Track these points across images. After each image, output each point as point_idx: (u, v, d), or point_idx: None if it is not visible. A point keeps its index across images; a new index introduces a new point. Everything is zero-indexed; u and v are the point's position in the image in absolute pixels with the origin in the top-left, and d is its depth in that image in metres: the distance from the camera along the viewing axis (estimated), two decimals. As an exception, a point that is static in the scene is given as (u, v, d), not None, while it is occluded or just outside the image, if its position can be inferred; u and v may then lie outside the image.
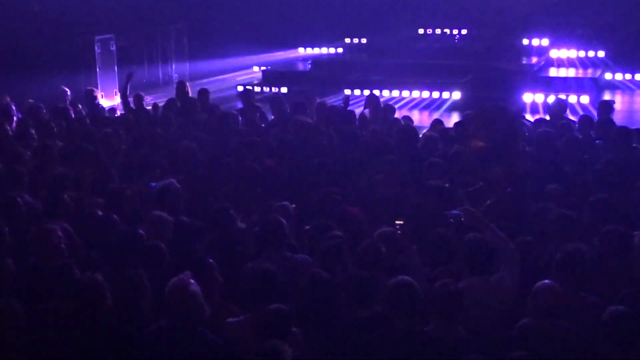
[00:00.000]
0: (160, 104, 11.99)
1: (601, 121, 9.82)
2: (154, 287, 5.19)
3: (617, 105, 12.70)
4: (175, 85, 13.59)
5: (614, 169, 7.68)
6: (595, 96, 15.67)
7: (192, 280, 4.90)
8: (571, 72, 17.62)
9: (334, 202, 6.97)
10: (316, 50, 20.79)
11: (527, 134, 9.23)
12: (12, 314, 4.88)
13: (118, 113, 12.40)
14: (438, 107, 15.94)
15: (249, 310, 5.13)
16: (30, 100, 11.70)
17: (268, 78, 18.33)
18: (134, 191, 7.43)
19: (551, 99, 11.31)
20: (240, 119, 10.47)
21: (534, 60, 18.02)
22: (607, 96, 16.28)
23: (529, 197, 7.16)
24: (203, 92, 12.27)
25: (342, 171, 8.19)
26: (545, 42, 18.45)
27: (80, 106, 11.91)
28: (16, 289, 5.40)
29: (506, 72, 16.71)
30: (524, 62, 17.82)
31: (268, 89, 17.32)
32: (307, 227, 6.53)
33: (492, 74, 16.54)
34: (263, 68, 19.40)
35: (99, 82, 16.15)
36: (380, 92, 15.53)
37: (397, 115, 11.22)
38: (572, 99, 14.66)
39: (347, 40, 20.90)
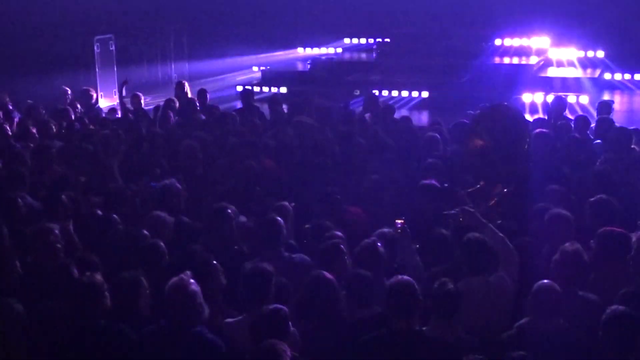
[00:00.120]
0: (159, 104, 11.99)
1: (600, 121, 9.82)
2: (154, 287, 5.19)
3: (617, 106, 12.71)
4: (174, 86, 13.60)
5: (612, 169, 7.69)
6: (594, 96, 15.67)
7: (192, 280, 4.91)
8: (570, 72, 17.62)
9: (334, 202, 6.97)
10: (315, 51, 20.80)
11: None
12: (12, 314, 4.89)
13: (119, 114, 12.40)
14: (437, 107, 15.92)
15: (246, 310, 5.13)
16: (29, 101, 11.71)
17: (267, 78, 18.33)
18: (134, 191, 7.43)
19: (550, 98, 11.31)
20: (239, 119, 10.48)
21: (534, 60, 18.02)
22: (606, 96, 16.28)
23: (530, 197, 7.16)
24: (202, 92, 12.28)
25: (341, 171, 8.20)
26: (545, 41, 18.44)
27: (79, 106, 11.91)
28: (16, 289, 5.40)
29: (506, 71, 16.72)
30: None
31: (267, 89, 17.32)
32: (306, 226, 6.53)
33: (492, 73, 16.55)
34: (262, 68, 19.40)
35: (98, 82, 16.15)
36: (380, 92, 15.54)
37: (396, 115, 11.23)
38: (571, 98, 14.65)
39: (347, 40, 20.91)
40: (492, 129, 7.15)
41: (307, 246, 6.40)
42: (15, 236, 6.13)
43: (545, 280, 5.11)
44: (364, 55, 19.95)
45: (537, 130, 8.98)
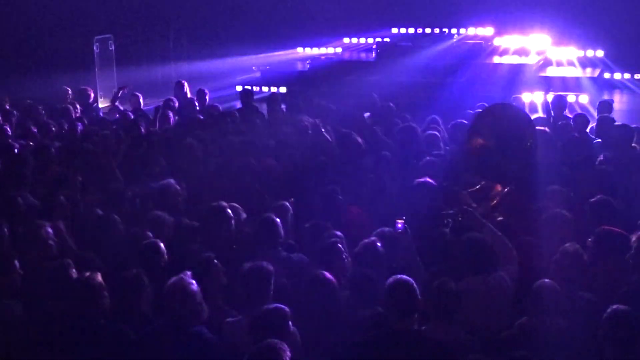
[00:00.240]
0: (157, 105, 12.00)
1: (601, 120, 9.81)
2: (154, 287, 5.19)
3: (616, 105, 12.69)
4: (173, 85, 13.60)
5: (613, 168, 7.69)
6: (594, 96, 15.67)
7: (191, 280, 4.90)
8: (570, 72, 17.61)
9: (335, 202, 6.97)
10: (315, 51, 20.78)
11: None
12: (12, 315, 4.89)
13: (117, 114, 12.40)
14: (436, 107, 15.89)
15: (246, 309, 5.13)
16: (29, 101, 11.71)
17: (267, 78, 18.32)
18: (134, 191, 7.43)
19: (550, 97, 11.31)
20: (238, 118, 10.48)
21: (533, 59, 18.00)
22: (605, 95, 16.29)
23: (530, 196, 7.16)
24: (201, 92, 12.28)
25: (341, 170, 8.19)
26: (546, 41, 18.44)
27: (78, 106, 11.92)
28: (16, 289, 5.40)
29: (505, 71, 16.70)
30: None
31: (267, 89, 17.31)
32: (306, 226, 6.54)
33: (490, 73, 16.54)
34: (262, 68, 19.40)
35: (97, 82, 16.14)
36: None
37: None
38: (571, 98, 14.64)
39: (347, 40, 20.90)
40: (492, 128, 7.14)
41: (306, 246, 6.40)
42: (15, 236, 6.14)
43: (545, 280, 5.12)
44: (363, 55, 19.94)
45: (537, 129, 8.97)
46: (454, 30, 19.93)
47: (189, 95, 12.72)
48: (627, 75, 17.59)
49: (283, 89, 17.00)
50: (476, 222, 5.91)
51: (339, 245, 5.79)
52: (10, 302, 5.00)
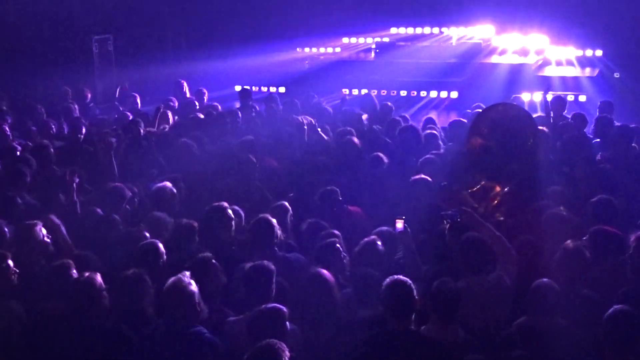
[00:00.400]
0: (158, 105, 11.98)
1: (600, 120, 9.80)
2: (153, 287, 5.19)
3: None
4: (173, 85, 13.60)
5: (613, 168, 7.69)
6: (593, 95, 15.66)
7: (190, 280, 4.90)
8: (569, 72, 17.61)
9: (334, 202, 6.97)
10: (314, 50, 20.77)
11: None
12: (12, 314, 4.88)
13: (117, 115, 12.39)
14: (436, 107, 15.93)
15: (248, 309, 5.12)
16: (29, 101, 11.71)
17: (266, 78, 18.30)
18: (133, 191, 7.42)
19: (549, 97, 11.30)
20: (237, 118, 10.48)
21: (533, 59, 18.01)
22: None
23: (531, 196, 7.16)
24: (200, 92, 12.28)
25: (340, 170, 8.19)
26: (544, 40, 18.43)
27: (76, 106, 11.92)
28: (17, 289, 5.39)
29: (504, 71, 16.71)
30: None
31: (266, 89, 17.31)
32: (303, 226, 6.53)
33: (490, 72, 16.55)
34: (262, 66, 19.39)
35: (96, 82, 16.12)
36: (379, 91, 15.51)
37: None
38: (569, 98, 14.63)
39: (346, 40, 20.89)
40: (492, 128, 7.13)
41: (305, 246, 6.40)
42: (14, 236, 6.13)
43: (544, 279, 5.11)
44: (362, 55, 19.93)
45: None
46: (453, 30, 19.93)
47: (188, 95, 12.72)
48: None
49: (282, 89, 17.00)
50: (475, 222, 5.90)
51: (338, 244, 5.78)
52: (11, 302, 4.98)
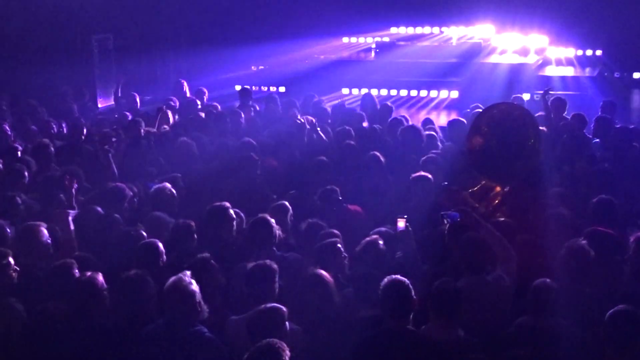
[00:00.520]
0: (159, 105, 11.98)
1: (600, 120, 9.80)
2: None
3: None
4: (173, 85, 13.59)
5: (613, 168, 7.69)
6: (592, 94, 15.67)
7: (191, 280, 4.90)
8: (569, 71, 17.63)
9: (334, 201, 6.97)
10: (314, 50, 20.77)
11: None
12: (12, 313, 4.88)
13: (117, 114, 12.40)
14: (436, 107, 15.93)
15: (250, 308, 5.12)
16: (31, 100, 11.71)
17: (266, 77, 18.30)
18: (133, 191, 7.42)
19: (549, 97, 11.30)
20: (238, 118, 10.49)
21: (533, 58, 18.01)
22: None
23: (532, 195, 7.16)
24: (200, 92, 12.28)
25: (340, 169, 8.20)
26: (544, 40, 18.44)
27: (76, 106, 11.92)
28: (15, 288, 5.39)
29: (504, 70, 16.71)
30: None
31: (266, 89, 17.30)
32: (302, 226, 6.53)
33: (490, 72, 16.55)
34: (261, 67, 19.38)
35: (96, 81, 16.12)
36: (379, 91, 15.51)
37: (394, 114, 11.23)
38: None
39: (346, 39, 20.89)
40: (493, 127, 7.13)
41: (304, 246, 6.40)
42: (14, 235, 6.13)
43: (545, 279, 5.11)
44: (362, 54, 19.93)
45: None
46: (453, 30, 19.94)
47: (188, 94, 12.71)
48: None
49: (282, 89, 17.00)
50: (475, 222, 5.90)
51: (338, 244, 5.79)
52: (11, 300, 4.98)
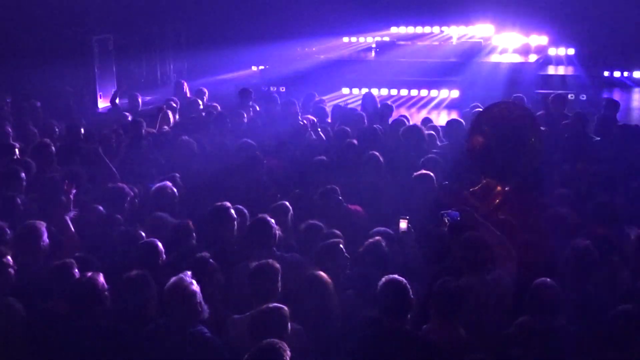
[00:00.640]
0: (159, 104, 11.98)
1: (602, 119, 9.80)
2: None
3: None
4: (173, 85, 13.58)
5: (614, 166, 7.69)
6: (593, 94, 15.67)
7: (191, 280, 4.90)
8: (569, 70, 17.64)
9: (335, 201, 6.97)
10: (314, 49, 20.76)
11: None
12: (13, 314, 4.87)
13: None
14: (436, 106, 15.94)
15: (253, 307, 5.12)
16: (33, 100, 11.72)
17: (266, 77, 18.31)
18: (134, 192, 7.42)
19: (550, 96, 11.32)
20: (238, 118, 10.49)
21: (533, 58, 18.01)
22: (605, 94, 16.32)
23: (532, 195, 7.16)
24: (201, 92, 12.27)
25: (341, 169, 8.19)
26: (544, 40, 18.45)
27: (77, 106, 11.92)
28: (16, 288, 5.39)
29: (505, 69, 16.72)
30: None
31: (266, 88, 17.30)
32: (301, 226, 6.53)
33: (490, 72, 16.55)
34: (261, 67, 19.39)
35: (97, 82, 16.13)
36: (379, 90, 15.52)
37: (395, 114, 11.24)
38: (570, 96, 14.64)
39: (346, 39, 20.89)
40: (493, 126, 7.12)
41: (304, 246, 6.40)
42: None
43: (545, 278, 5.10)
44: (363, 54, 19.93)
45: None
46: (453, 29, 19.93)
47: (188, 94, 12.71)
48: (626, 73, 17.61)
49: (282, 89, 17.00)
50: (475, 221, 5.89)
51: (340, 245, 5.79)
52: (11, 300, 4.97)
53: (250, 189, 7.63)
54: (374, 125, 9.74)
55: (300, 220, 6.66)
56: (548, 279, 5.09)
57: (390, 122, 10.48)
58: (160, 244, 5.76)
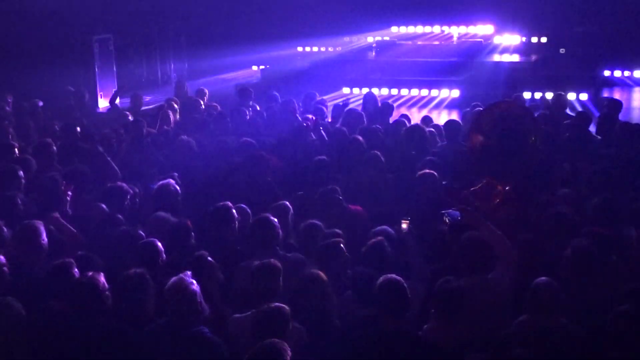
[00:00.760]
0: (159, 104, 11.98)
1: (602, 118, 9.79)
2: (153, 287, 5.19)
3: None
4: (173, 85, 13.58)
5: (616, 165, 7.68)
6: (594, 93, 15.68)
7: (192, 280, 4.89)
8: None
9: (335, 201, 6.96)
10: (315, 49, 20.78)
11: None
12: (13, 313, 4.87)
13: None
14: (437, 106, 15.94)
15: (254, 306, 5.12)
16: (34, 100, 11.72)
17: (267, 77, 18.32)
18: (135, 191, 7.42)
19: (550, 95, 11.33)
20: (238, 117, 10.49)
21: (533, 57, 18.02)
22: (605, 93, 16.33)
23: (533, 194, 7.15)
24: (201, 92, 12.27)
25: (341, 169, 8.19)
26: (543, 39, 18.48)
27: (78, 106, 11.92)
28: (16, 288, 5.38)
29: (505, 69, 16.73)
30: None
31: (267, 88, 17.30)
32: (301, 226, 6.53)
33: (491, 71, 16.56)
34: (262, 67, 19.40)
35: (97, 81, 16.14)
36: (379, 90, 15.53)
37: (395, 113, 11.25)
38: (571, 96, 14.65)
39: (347, 39, 20.90)
40: (494, 126, 7.12)
41: (303, 245, 6.40)
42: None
43: (544, 278, 5.10)
44: (363, 54, 19.94)
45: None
46: (454, 29, 19.93)
47: (188, 94, 12.71)
48: (627, 73, 17.63)
49: (283, 88, 16.99)
50: (476, 221, 5.89)
51: (341, 245, 5.78)
52: (10, 300, 4.97)
53: (254, 188, 7.62)
54: (374, 125, 9.74)
55: (300, 220, 6.67)
56: (548, 279, 5.08)
57: (391, 122, 10.48)
58: (160, 244, 5.75)
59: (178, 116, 11.17)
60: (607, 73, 17.53)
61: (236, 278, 5.82)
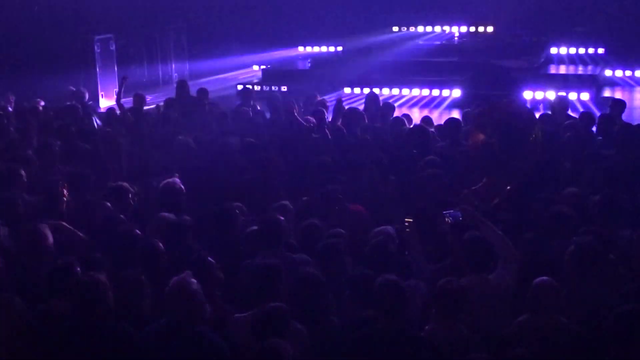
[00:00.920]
0: (161, 104, 11.99)
1: (603, 118, 9.78)
2: (153, 286, 5.18)
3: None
4: (175, 85, 13.58)
5: (617, 165, 7.67)
6: (595, 93, 15.67)
7: (193, 280, 4.89)
8: (571, 70, 17.66)
9: (336, 201, 6.96)
10: (316, 49, 20.79)
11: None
12: (13, 312, 4.87)
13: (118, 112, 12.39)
14: (438, 105, 15.94)
15: (248, 307, 5.12)
16: (38, 99, 11.74)
17: (268, 77, 18.33)
18: (136, 191, 7.43)
19: (551, 95, 11.31)
20: (239, 117, 10.50)
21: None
22: (607, 93, 16.32)
23: (534, 193, 7.15)
24: (202, 92, 12.27)
25: (341, 168, 8.19)
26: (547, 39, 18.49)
27: (80, 106, 11.91)
28: (16, 288, 5.39)
29: (506, 69, 16.72)
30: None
31: (268, 88, 17.31)
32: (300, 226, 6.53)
33: (493, 71, 16.55)
34: (263, 67, 19.40)
35: (99, 81, 16.16)
36: (380, 90, 15.53)
37: (396, 113, 11.23)
38: (572, 96, 14.65)
39: (347, 38, 20.91)
40: (495, 125, 7.12)
41: (307, 246, 6.40)
42: (14, 235, 6.13)
43: (545, 277, 5.10)
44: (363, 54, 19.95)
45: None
46: (454, 29, 19.94)
47: (190, 94, 12.71)
48: (628, 73, 17.62)
49: (284, 88, 17.01)
50: (477, 220, 5.89)
51: (342, 245, 5.78)
52: (11, 298, 4.97)
53: (258, 189, 7.62)
54: (375, 125, 9.75)
55: (301, 220, 6.68)
56: (548, 278, 5.08)
57: (391, 122, 10.47)
58: (160, 244, 5.76)
59: (179, 116, 11.17)
60: (608, 73, 17.55)
61: (240, 277, 5.81)
